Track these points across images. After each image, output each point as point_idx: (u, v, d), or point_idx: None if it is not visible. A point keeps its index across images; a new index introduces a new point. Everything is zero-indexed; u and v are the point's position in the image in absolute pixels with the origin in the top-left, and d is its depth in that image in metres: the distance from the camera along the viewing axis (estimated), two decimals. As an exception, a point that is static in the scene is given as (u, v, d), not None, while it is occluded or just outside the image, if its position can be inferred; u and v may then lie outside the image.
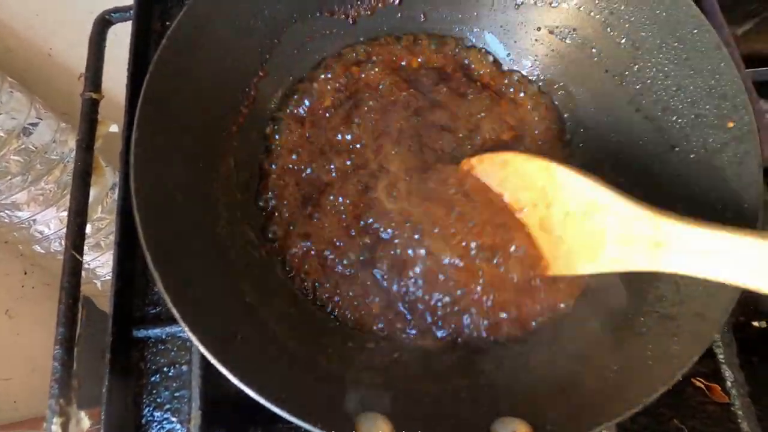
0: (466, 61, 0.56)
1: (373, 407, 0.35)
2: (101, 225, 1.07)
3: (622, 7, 0.47)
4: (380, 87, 0.53)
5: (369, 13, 0.55)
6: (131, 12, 0.59)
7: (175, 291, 0.35)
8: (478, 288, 0.43)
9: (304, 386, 0.37)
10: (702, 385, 0.47)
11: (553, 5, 0.52)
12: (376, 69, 0.54)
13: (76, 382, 0.42)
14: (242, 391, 0.32)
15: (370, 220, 0.47)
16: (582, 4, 0.50)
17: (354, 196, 0.48)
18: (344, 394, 0.36)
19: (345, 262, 0.46)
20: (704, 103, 0.42)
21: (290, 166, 0.51)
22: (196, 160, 0.44)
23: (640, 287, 0.41)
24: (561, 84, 0.53)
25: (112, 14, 0.60)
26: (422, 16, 0.56)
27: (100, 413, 0.43)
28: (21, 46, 1.02)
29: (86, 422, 0.42)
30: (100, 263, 1.12)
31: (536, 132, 0.52)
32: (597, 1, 0.48)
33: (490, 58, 0.56)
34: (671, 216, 0.34)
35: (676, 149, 0.44)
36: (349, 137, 0.51)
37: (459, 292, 0.43)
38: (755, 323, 0.50)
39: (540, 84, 0.54)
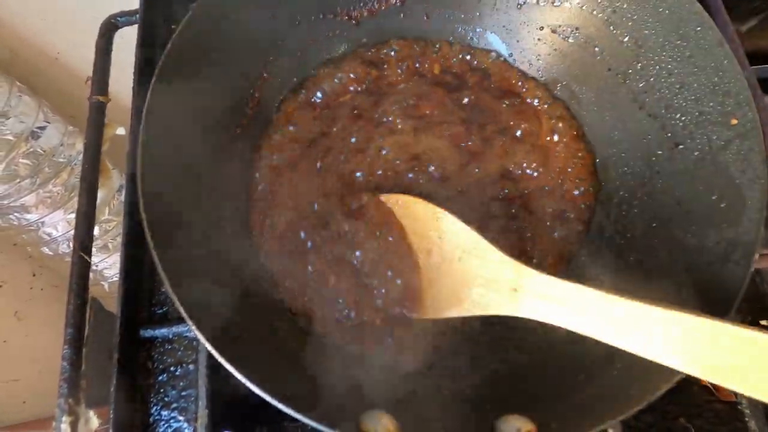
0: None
1: (378, 405, 0.35)
2: (108, 227, 1.08)
3: (625, 5, 0.47)
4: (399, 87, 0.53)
5: (371, 14, 0.56)
6: (137, 16, 0.59)
7: (182, 291, 0.35)
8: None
9: (310, 384, 0.38)
10: (708, 384, 0.46)
11: (555, 4, 0.52)
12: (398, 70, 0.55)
13: (85, 382, 0.43)
14: (249, 390, 0.33)
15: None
16: (584, 2, 0.50)
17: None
18: (349, 391, 0.36)
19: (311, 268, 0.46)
20: (708, 100, 0.42)
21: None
22: (201, 162, 0.45)
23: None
24: (564, 83, 0.53)
25: (119, 18, 0.61)
26: (425, 16, 0.56)
27: (109, 412, 0.43)
28: (29, 50, 1.03)
29: (95, 421, 0.43)
30: (107, 265, 1.13)
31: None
32: (599, 0, 0.49)
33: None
34: (530, 267, 0.38)
35: (680, 147, 0.44)
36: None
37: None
38: (763, 322, 0.50)
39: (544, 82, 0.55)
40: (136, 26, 0.59)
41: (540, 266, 0.41)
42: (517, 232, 0.48)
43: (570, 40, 0.52)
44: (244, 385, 0.33)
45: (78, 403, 0.42)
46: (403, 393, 0.39)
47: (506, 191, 0.50)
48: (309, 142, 0.52)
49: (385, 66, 0.55)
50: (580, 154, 0.51)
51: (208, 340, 0.34)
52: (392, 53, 0.56)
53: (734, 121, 0.40)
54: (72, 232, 0.50)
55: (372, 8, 0.56)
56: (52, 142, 0.97)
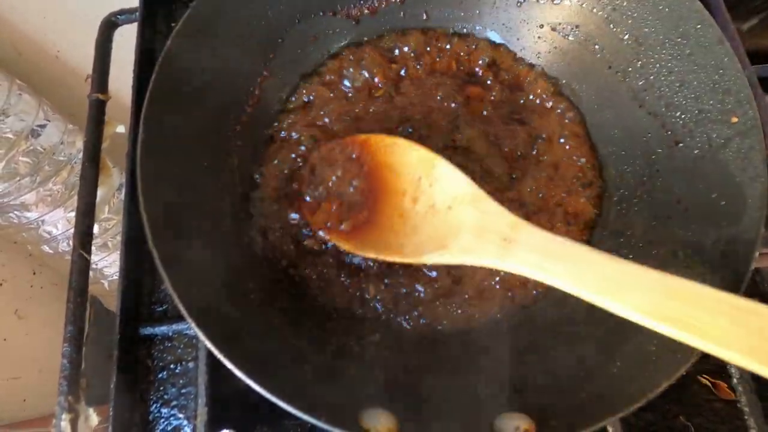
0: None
1: (378, 402, 0.35)
2: (108, 225, 1.08)
3: (625, 3, 0.47)
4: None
5: (371, 12, 0.56)
6: (137, 14, 0.59)
7: (182, 289, 0.35)
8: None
9: (309, 381, 0.38)
10: (708, 382, 0.46)
11: (555, 2, 0.52)
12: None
13: (84, 380, 0.43)
14: (248, 387, 0.33)
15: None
16: (584, 0, 0.50)
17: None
18: (349, 389, 0.36)
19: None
20: (708, 98, 0.42)
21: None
22: (200, 160, 0.45)
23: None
24: (564, 81, 0.53)
25: (118, 16, 0.61)
26: (424, 14, 0.56)
27: (109, 410, 0.43)
28: (29, 48, 1.03)
29: (95, 419, 0.43)
30: (107, 263, 1.13)
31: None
32: (600, -2, 0.49)
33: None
34: (527, 221, 0.38)
35: (680, 145, 0.44)
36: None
37: None
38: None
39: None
40: (135, 24, 0.59)
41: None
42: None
43: (570, 38, 0.52)
44: (244, 383, 0.33)
45: (78, 400, 0.42)
46: (403, 390, 0.39)
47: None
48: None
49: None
50: (580, 153, 0.51)
51: (208, 338, 0.34)
52: (405, 48, 0.55)
53: (734, 119, 0.40)
54: (72, 230, 0.50)
55: (372, 6, 0.55)
56: (52, 141, 0.97)
